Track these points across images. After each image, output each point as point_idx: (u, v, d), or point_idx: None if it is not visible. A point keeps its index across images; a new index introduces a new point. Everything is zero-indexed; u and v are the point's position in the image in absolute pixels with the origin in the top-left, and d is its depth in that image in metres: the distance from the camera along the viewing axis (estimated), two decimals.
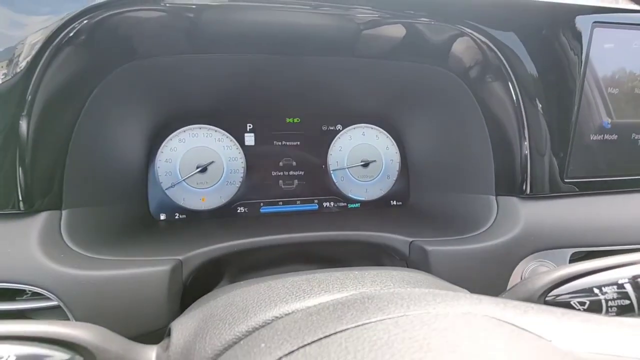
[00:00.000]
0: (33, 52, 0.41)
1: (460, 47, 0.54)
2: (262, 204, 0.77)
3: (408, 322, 0.20)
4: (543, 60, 0.53)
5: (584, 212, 0.58)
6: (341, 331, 0.20)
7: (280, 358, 0.19)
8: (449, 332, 0.18)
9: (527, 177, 0.56)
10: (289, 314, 0.27)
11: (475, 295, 0.26)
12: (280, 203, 0.78)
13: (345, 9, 0.47)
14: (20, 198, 0.45)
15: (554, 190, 0.58)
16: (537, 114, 0.54)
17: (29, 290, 0.43)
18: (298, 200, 0.79)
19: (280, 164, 0.78)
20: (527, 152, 0.55)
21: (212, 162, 0.75)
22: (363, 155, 0.82)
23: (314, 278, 0.33)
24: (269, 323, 0.26)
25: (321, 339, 0.20)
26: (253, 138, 0.77)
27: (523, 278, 0.55)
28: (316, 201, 0.80)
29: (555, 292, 0.35)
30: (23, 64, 0.40)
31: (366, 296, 0.25)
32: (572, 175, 0.58)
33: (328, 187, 0.81)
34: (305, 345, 0.20)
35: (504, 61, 0.52)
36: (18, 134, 0.43)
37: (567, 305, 0.34)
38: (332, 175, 0.81)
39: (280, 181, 0.78)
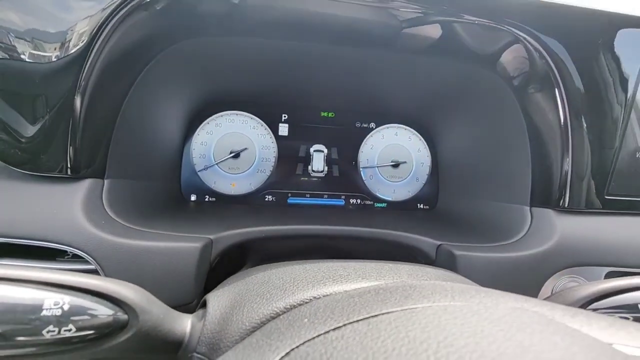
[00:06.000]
0: (106, 13, 0.42)
1: (511, 51, 0.52)
2: (289, 195, 0.78)
3: (457, 309, 0.20)
4: (593, 73, 0.51)
5: (624, 231, 0.56)
6: (387, 313, 0.20)
7: (327, 332, 0.19)
8: (502, 322, 0.18)
9: (566, 191, 0.55)
10: (328, 295, 0.27)
11: (519, 295, 0.25)
12: (308, 195, 0.78)
13: (385, 1, 0.47)
14: (69, 165, 0.47)
15: (593, 206, 0.56)
16: (581, 128, 0.53)
17: (70, 252, 0.45)
18: (325, 194, 0.79)
19: (311, 156, 0.79)
20: (568, 167, 0.54)
21: (246, 148, 0.76)
22: (394, 155, 0.82)
23: (350, 265, 0.33)
24: (307, 302, 0.27)
25: (367, 318, 0.20)
26: (287, 129, 0.78)
27: (553, 293, 0.53)
28: (343, 197, 0.80)
29: (594, 305, 0.34)
30: (93, 26, 0.42)
31: (407, 285, 0.25)
32: (613, 192, 0.56)
33: (356, 184, 0.81)
34: (353, 322, 0.20)
35: (555, 70, 0.51)
36: (72, 108, 0.45)
37: None
38: (362, 173, 0.81)
39: (310, 173, 0.79)
